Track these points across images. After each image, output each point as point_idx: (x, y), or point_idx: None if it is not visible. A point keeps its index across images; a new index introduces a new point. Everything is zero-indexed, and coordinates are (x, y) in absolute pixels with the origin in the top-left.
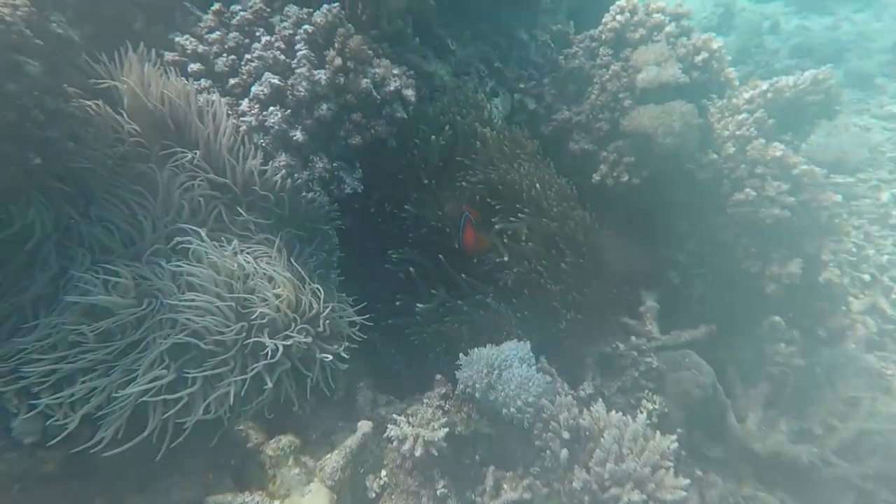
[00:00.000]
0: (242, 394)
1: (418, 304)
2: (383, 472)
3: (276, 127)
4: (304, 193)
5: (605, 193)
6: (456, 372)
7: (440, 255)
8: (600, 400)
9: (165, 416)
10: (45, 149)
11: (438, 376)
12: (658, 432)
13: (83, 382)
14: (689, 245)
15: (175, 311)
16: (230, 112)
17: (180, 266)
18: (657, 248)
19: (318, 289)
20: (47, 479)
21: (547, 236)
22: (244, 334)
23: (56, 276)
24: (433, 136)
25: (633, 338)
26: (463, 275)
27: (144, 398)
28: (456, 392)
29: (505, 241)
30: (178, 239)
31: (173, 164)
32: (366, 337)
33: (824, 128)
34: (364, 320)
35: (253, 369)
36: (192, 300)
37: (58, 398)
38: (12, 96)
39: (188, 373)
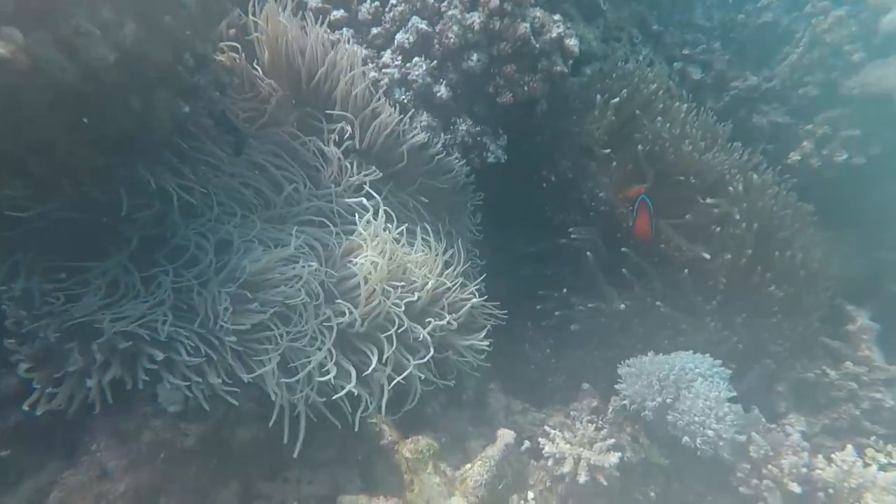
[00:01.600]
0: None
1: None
2: (530, 495)
3: (420, 80)
4: (449, 160)
5: (804, 177)
6: (617, 384)
7: (626, 243)
8: (849, 446)
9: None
10: (194, 96)
11: (585, 385)
12: None
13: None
14: None
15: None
16: (371, 65)
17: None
18: (875, 250)
19: (463, 275)
20: (188, 453)
21: (763, 221)
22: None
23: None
24: (613, 100)
25: (848, 364)
26: (686, 271)
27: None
28: (614, 406)
29: (717, 228)
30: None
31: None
32: (503, 323)
33: None
34: (501, 313)
35: (411, 363)
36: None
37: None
38: (168, 31)
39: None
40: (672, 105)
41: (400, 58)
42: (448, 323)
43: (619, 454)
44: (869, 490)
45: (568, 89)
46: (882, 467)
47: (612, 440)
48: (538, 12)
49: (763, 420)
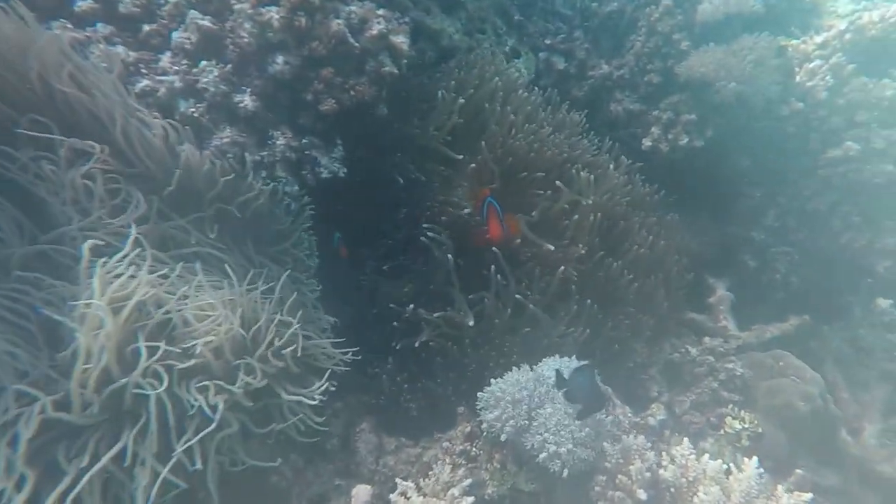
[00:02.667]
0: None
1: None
2: None
3: (213, 89)
4: (257, 180)
5: (658, 162)
6: (479, 411)
7: (482, 249)
8: (685, 440)
9: None
10: None
11: (461, 409)
12: (789, 491)
13: None
14: (768, 219)
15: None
16: (144, 70)
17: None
18: (725, 225)
19: (279, 311)
20: None
21: (611, 210)
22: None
23: None
24: (459, 100)
25: (706, 339)
26: (542, 271)
27: None
28: (484, 433)
29: (572, 219)
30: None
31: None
32: (357, 359)
33: None
34: (348, 352)
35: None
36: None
37: None
38: None
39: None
40: (520, 98)
41: (185, 62)
42: (241, 384)
43: (473, 499)
44: (701, 482)
45: (410, 89)
46: (738, 433)
47: (470, 479)
48: (355, 7)
49: (629, 413)
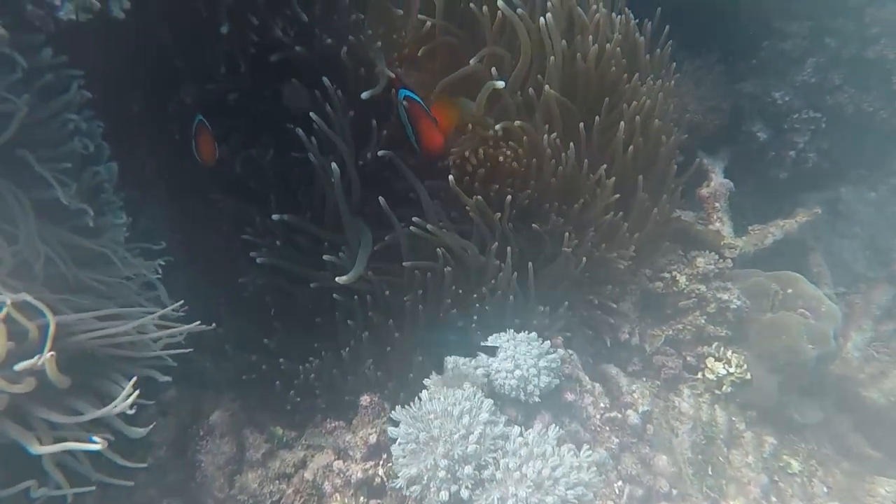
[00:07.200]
0: None
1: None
2: None
3: None
4: None
5: None
6: (392, 447)
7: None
8: None
9: None
10: None
11: (365, 398)
12: None
13: None
14: (803, 71)
15: None
16: None
17: None
18: (739, 80)
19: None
20: None
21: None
22: None
23: None
24: None
25: (699, 259)
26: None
27: None
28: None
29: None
30: None
31: None
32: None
33: None
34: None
35: None
36: None
37: None
38: None
39: None
40: None
41: None
42: None
43: None
44: None
45: None
46: (720, 379)
47: None
48: None
49: (598, 392)
